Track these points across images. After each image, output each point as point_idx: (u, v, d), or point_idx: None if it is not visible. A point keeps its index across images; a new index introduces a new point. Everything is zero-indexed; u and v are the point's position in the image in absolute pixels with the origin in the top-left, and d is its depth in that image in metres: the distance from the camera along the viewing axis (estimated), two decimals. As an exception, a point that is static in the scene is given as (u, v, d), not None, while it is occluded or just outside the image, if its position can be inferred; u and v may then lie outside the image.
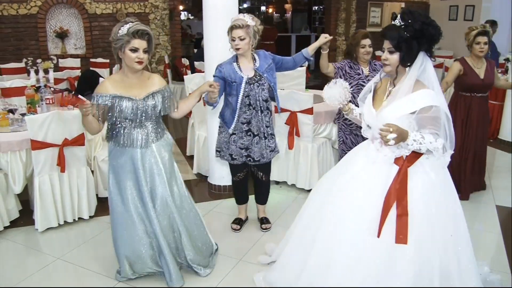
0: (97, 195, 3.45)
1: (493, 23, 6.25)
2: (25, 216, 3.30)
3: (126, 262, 2.46)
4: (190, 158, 4.53)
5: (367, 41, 3.14)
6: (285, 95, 3.69)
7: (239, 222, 3.20)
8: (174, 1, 7.42)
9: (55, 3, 6.70)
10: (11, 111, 3.53)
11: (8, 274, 2.65)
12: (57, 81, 5.32)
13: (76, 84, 5.14)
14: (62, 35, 6.87)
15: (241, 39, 2.72)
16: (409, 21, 1.92)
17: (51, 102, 3.81)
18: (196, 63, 6.48)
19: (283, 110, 3.72)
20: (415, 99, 1.92)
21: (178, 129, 6.03)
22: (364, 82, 3.11)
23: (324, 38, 2.98)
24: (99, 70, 5.49)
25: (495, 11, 7.87)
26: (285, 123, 3.76)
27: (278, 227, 3.21)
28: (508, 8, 7.56)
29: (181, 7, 9.25)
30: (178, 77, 7.03)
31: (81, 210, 3.29)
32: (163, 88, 2.40)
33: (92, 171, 3.44)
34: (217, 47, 3.27)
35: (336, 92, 2.22)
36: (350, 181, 2.08)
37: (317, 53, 3.16)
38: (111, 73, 6.19)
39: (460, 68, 3.51)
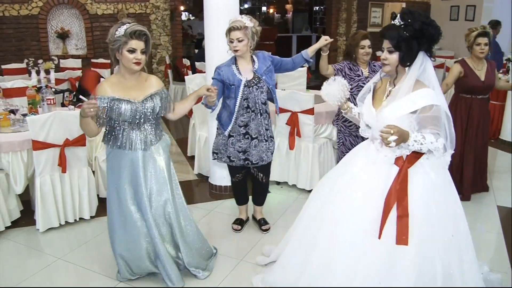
0: (98, 195, 3.45)
1: (497, 23, 6.23)
2: (26, 216, 3.30)
3: (122, 262, 2.47)
4: (191, 159, 4.54)
5: (366, 42, 3.13)
6: (286, 96, 3.70)
7: (240, 223, 3.20)
8: (175, 2, 7.42)
9: (56, 4, 6.72)
10: (13, 111, 3.54)
11: (9, 274, 2.66)
12: (58, 81, 5.33)
13: (77, 84, 5.16)
14: (63, 35, 6.89)
15: (240, 41, 2.70)
16: (409, 20, 1.92)
17: (52, 102, 3.81)
18: (197, 63, 6.48)
19: (283, 111, 3.73)
20: (415, 99, 1.92)
21: (179, 129, 6.04)
22: (364, 83, 3.11)
23: (325, 40, 2.96)
24: (100, 71, 5.50)
25: (496, 11, 7.86)
26: (286, 124, 3.76)
27: (278, 228, 3.21)
28: (509, 8, 7.55)
29: (182, 8, 9.25)
30: (179, 77, 7.04)
31: (82, 210, 3.29)
32: (161, 90, 2.39)
33: (93, 172, 3.45)
34: (218, 46, 3.27)
35: (334, 89, 2.20)
36: (350, 182, 2.08)
37: (317, 54, 3.15)
38: (112, 73, 6.19)
39: (461, 70, 3.49)
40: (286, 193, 3.85)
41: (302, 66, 3.15)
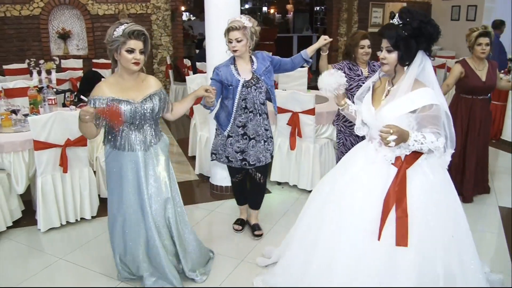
0: (99, 195, 3.45)
1: (501, 23, 6.20)
2: (28, 216, 3.31)
3: (122, 262, 2.47)
4: (192, 159, 4.54)
5: (366, 42, 3.11)
6: (287, 96, 3.70)
7: (241, 223, 3.20)
8: (176, 2, 7.42)
9: (57, 4, 6.72)
10: (14, 111, 3.54)
11: (11, 274, 2.67)
12: (60, 81, 5.33)
13: (78, 84, 5.16)
14: (64, 36, 6.89)
15: (238, 41, 2.69)
16: (407, 19, 1.91)
17: (53, 102, 3.82)
18: (198, 63, 6.49)
19: (284, 111, 3.73)
20: (415, 98, 1.91)
21: (180, 130, 6.04)
22: (363, 83, 3.10)
23: (324, 40, 2.95)
24: (101, 71, 5.50)
25: (498, 11, 7.84)
26: (287, 124, 3.76)
27: (280, 228, 3.21)
28: (510, 8, 7.53)
29: (183, 8, 9.25)
30: (180, 77, 7.05)
31: (83, 210, 3.30)
32: (159, 90, 2.37)
33: (94, 172, 3.45)
34: (219, 47, 3.27)
35: (331, 81, 2.19)
36: (350, 182, 2.07)
37: (317, 54, 3.15)
38: (113, 73, 6.19)
39: (461, 71, 3.46)
40: (287, 194, 3.85)
41: (303, 66, 3.15)
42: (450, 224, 1.98)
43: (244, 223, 3.22)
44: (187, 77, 4.68)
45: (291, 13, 13.94)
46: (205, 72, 4.01)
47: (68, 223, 3.24)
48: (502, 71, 5.37)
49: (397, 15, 1.96)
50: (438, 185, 1.99)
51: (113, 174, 2.36)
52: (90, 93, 2.27)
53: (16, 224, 3.22)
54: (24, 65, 5.81)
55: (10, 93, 4.35)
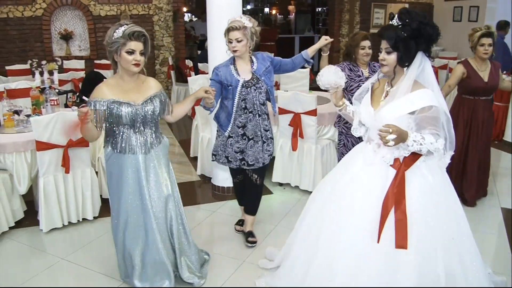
0: (101, 196, 3.45)
1: (506, 24, 6.16)
2: (30, 216, 3.31)
3: (123, 262, 2.46)
4: (194, 160, 4.54)
5: (366, 43, 3.10)
6: (289, 97, 3.69)
7: (242, 224, 3.19)
8: (178, 3, 7.43)
9: (59, 5, 6.74)
10: (17, 112, 3.55)
11: (13, 274, 2.67)
12: (62, 82, 5.34)
13: (80, 85, 5.17)
14: (66, 36, 6.91)
15: (238, 41, 2.68)
16: (407, 20, 1.90)
17: (55, 103, 3.83)
18: (199, 64, 6.49)
19: (286, 112, 3.73)
20: (414, 99, 1.91)
21: (182, 131, 6.04)
22: None
23: (325, 40, 2.94)
24: (103, 72, 5.51)
25: (500, 12, 7.82)
26: (289, 125, 3.76)
27: (282, 228, 3.20)
28: (512, 9, 7.52)
29: (184, 9, 9.26)
30: (182, 78, 7.06)
31: (85, 210, 3.30)
32: (159, 92, 2.36)
33: (96, 172, 3.46)
34: (220, 47, 3.26)
35: (331, 79, 2.18)
36: (350, 182, 2.07)
37: (318, 55, 3.14)
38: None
39: (464, 71, 3.44)
40: (289, 194, 3.85)
41: (304, 67, 3.14)
42: (450, 225, 1.98)
43: (246, 224, 3.22)
44: (189, 78, 4.69)
45: (293, 14, 13.94)
46: (207, 73, 4.01)
47: (70, 223, 3.24)
48: (505, 72, 5.35)
49: (396, 16, 1.95)
50: (437, 187, 1.99)
51: (114, 177, 2.33)
52: (90, 95, 2.26)
53: (18, 224, 3.22)
54: (27, 66, 5.82)
55: (12, 94, 4.36)
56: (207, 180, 4.09)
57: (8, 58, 6.52)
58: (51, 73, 5.19)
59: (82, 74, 5.75)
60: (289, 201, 3.72)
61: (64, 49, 6.99)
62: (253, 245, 2.96)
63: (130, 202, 2.32)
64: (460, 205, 2.07)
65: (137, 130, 2.28)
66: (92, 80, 4.48)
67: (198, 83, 4.47)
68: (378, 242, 1.90)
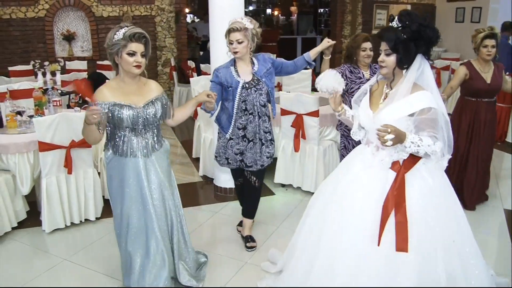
0: (103, 196, 3.45)
1: (511, 25, 6.14)
2: (32, 217, 3.32)
3: (124, 264, 2.45)
4: (196, 161, 4.54)
5: (367, 44, 3.08)
6: (291, 98, 3.69)
7: (244, 225, 3.19)
8: (180, 4, 7.44)
9: (62, 6, 6.76)
10: (19, 113, 3.56)
11: (15, 275, 2.67)
12: (64, 83, 5.35)
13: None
14: (69, 37, 6.92)
15: (239, 42, 2.67)
16: (407, 22, 1.90)
17: (58, 104, 3.83)
18: (202, 65, 6.51)
19: (289, 113, 3.73)
20: (413, 101, 1.90)
21: (184, 132, 6.05)
22: None
23: (327, 42, 2.92)
24: (105, 73, 5.52)
25: (503, 12, 7.80)
26: (291, 126, 3.76)
27: (284, 230, 3.20)
28: (514, 9, 7.50)
29: (187, 10, 9.29)
30: (184, 79, 7.06)
31: (87, 211, 3.31)
32: (161, 95, 2.33)
33: (99, 173, 3.46)
34: (222, 48, 3.26)
35: (329, 84, 2.18)
36: (351, 183, 2.07)
37: (320, 57, 3.13)
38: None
39: (466, 73, 3.41)
40: (291, 196, 3.85)
41: (306, 68, 3.13)
42: (450, 225, 1.97)
43: (248, 225, 3.21)
44: (191, 79, 4.69)
45: (295, 15, 13.95)
46: (209, 74, 4.01)
47: (72, 224, 3.25)
48: (507, 73, 5.33)
49: (396, 18, 1.94)
50: (437, 189, 1.98)
51: (115, 180, 2.31)
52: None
53: (21, 225, 3.23)
54: (29, 67, 5.84)
55: (15, 95, 4.37)
56: (209, 181, 4.09)
57: (11, 59, 6.54)
58: (53, 74, 5.19)
59: (84, 75, 5.76)
60: (291, 202, 3.71)
61: (66, 50, 7.00)
62: (253, 249, 2.95)
63: (132, 206, 2.30)
64: (460, 206, 2.07)
65: (138, 133, 2.26)
66: (94, 81, 4.48)
67: (200, 84, 4.47)
68: (378, 245, 1.90)
